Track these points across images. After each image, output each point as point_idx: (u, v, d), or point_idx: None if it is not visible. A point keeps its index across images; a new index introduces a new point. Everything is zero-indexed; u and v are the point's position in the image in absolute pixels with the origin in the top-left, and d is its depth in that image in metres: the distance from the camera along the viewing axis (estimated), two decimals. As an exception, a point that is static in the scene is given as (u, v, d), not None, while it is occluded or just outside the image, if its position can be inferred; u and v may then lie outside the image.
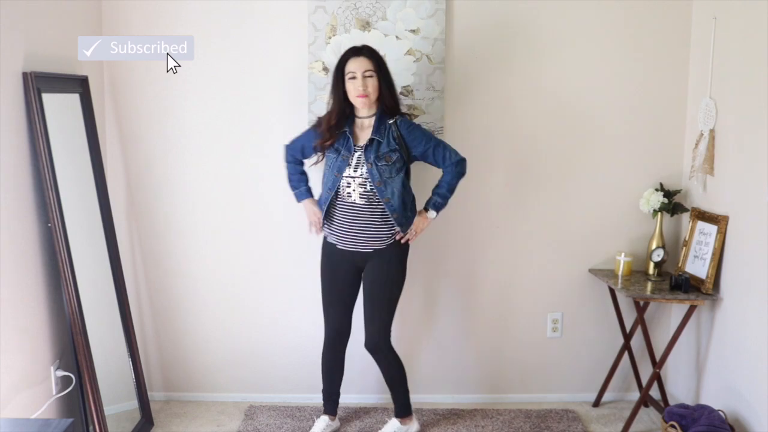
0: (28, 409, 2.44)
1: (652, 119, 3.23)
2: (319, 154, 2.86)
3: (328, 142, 2.77)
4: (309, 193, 2.96)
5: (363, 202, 2.75)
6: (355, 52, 2.72)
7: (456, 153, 2.82)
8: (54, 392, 2.60)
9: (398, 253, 2.85)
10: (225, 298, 3.34)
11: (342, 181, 2.75)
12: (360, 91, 2.68)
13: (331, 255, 2.89)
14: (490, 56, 3.18)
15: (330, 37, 3.11)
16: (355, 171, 2.73)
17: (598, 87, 3.21)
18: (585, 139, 3.25)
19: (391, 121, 2.75)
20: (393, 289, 2.87)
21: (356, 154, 2.74)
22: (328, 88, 2.85)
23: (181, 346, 3.38)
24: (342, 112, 2.75)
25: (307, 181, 2.97)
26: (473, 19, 3.15)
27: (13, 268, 2.37)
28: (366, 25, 3.11)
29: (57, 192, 2.51)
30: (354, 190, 2.75)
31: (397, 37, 3.11)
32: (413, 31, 3.11)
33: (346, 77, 2.71)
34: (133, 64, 3.14)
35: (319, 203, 2.90)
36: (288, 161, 2.97)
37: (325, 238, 2.92)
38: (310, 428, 3.08)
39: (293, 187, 2.97)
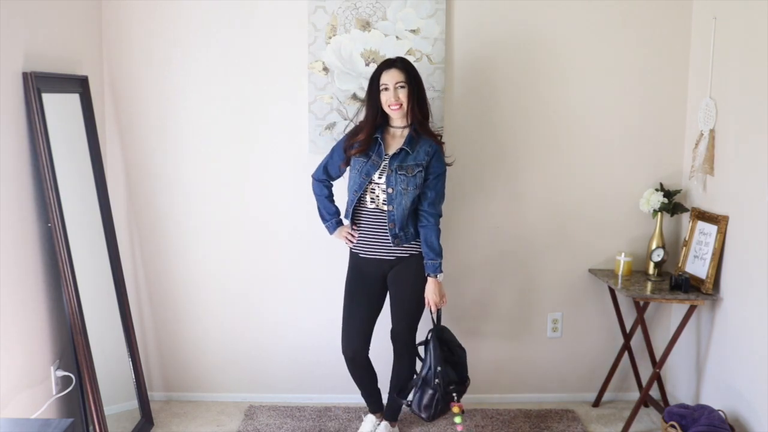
0: (28, 409, 2.44)
1: (652, 119, 3.23)
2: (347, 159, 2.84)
3: (362, 138, 2.77)
4: (341, 223, 2.95)
5: (386, 209, 2.76)
6: (388, 64, 2.75)
7: (440, 206, 2.82)
8: (54, 392, 2.60)
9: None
10: (225, 297, 3.34)
11: (368, 185, 2.76)
12: (392, 101, 2.72)
13: (356, 265, 2.89)
14: (490, 56, 3.18)
15: (330, 37, 3.11)
16: (379, 178, 2.75)
17: (598, 87, 3.21)
18: (585, 139, 3.25)
19: (430, 148, 2.75)
20: (420, 291, 2.84)
21: (384, 162, 2.76)
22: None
23: (181, 346, 3.38)
24: (374, 121, 2.78)
25: (339, 213, 2.94)
26: (473, 19, 3.15)
27: (13, 268, 2.37)
28: (366, 25, 3.11)
29: (57, 192, 2.51)
30: (378, 196, 2.77)
31: (397, 37, 3.11)
32: (413, 31, 3.11)
33: (380, 89, 2.74)
34: (133, 64, 3.15)
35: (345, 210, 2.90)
36: (317, 194, 2.93)
37: (350, 249, 2.92)
38: (310, 428, 3.08)
39: (326, 220, 2.93)
